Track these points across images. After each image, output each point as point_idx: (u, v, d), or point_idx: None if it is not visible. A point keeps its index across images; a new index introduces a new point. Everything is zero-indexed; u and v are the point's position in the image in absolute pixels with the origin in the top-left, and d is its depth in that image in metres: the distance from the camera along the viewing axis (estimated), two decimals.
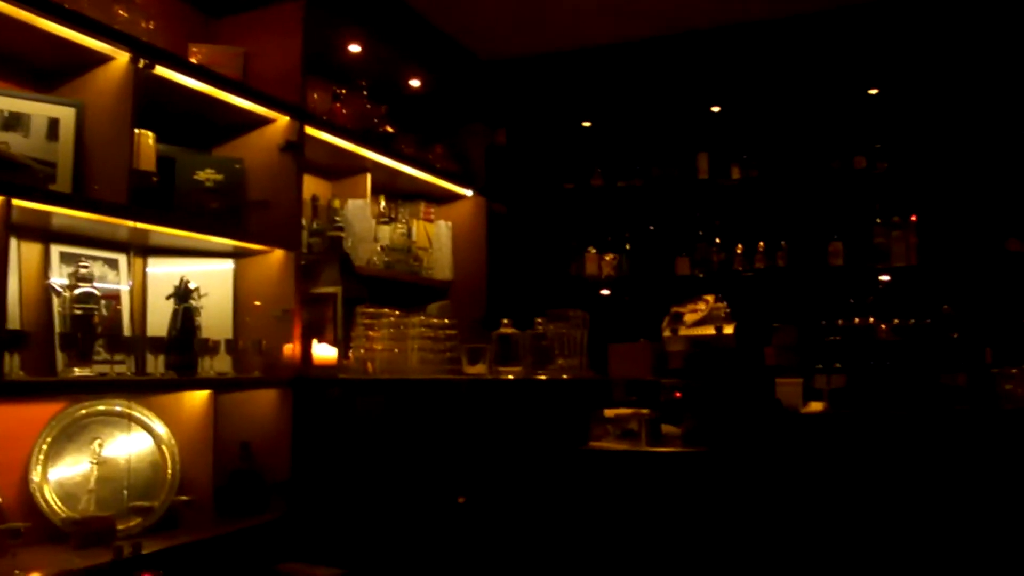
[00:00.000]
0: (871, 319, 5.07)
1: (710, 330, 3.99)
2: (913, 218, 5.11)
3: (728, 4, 4.91)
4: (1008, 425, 3.85)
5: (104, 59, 3.03)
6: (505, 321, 3.37)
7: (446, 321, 3.75)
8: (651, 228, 5.77)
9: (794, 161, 5.37)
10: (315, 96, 4.10)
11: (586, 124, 5.83)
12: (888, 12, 4.93)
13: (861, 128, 5.32)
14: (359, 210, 4.46)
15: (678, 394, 3.53)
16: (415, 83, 5.03)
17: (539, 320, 3.34)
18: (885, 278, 5.18)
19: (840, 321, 5.12)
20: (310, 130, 3.87)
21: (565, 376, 3.24)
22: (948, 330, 4.90)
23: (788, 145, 5.43)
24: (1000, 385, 4.19)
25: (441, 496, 3.43)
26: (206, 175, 3.50)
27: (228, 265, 3.73)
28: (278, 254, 3.67)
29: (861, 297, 5.18)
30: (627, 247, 5.71)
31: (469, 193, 5.33)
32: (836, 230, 5.26)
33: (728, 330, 3.99)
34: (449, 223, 5.22)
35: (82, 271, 2.98)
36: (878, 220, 5.17)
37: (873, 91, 5.27)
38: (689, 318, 4.14)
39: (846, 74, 5.24)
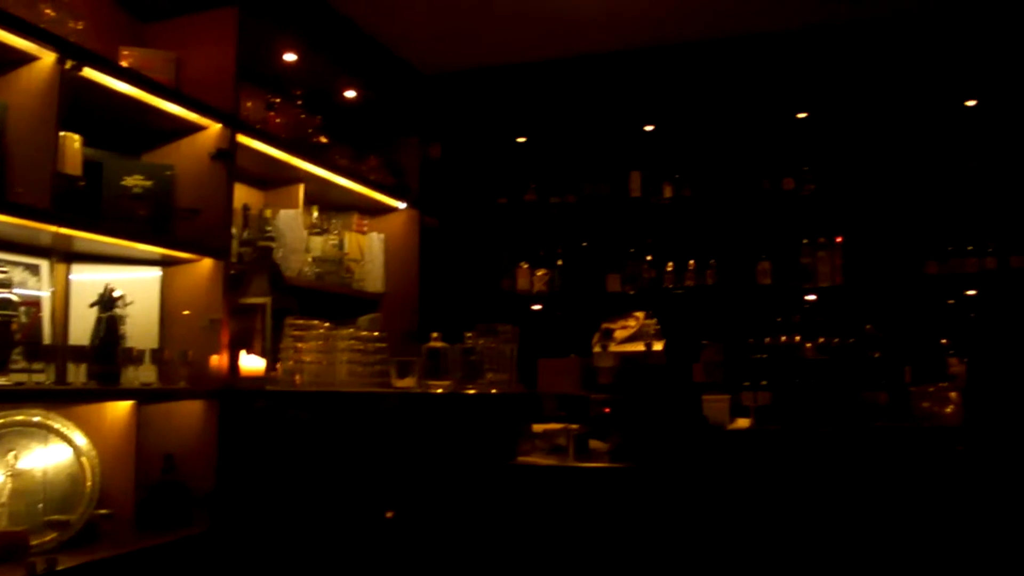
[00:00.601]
0: (797, 337, 5.18)
1: (640, 346, 4.03)
2: (838, 239, 5.23)
3: (663, 24, 4.99)
4: (924, 441, 3.95)
5: (29, 58, 2.96)
6: (435, 335, 3.37)
7: (376, 334, 3.73)
8: (583, 244, 5.82)
9: (725, 181, 5.47)
10: (248, 104, 4.06)
11: (521, 140, 5.87)
12: (818, 39, 5.07)
13: (790, 151, 5.44)
14: (291, 220, 4.42)
15: (607, 409, 3.55)
16: (351, 94, 5.01)
17: (469, 334, 3.34)
18: (811, 297, 5.29)
19: (767, 339, 5.23)
20: (242, 138, 3.83)
21: (494, 390, 3.24)
22: (870, 349, 5.03)
23: (719, 165, 5.52)
24: (917, 403, 4.31)
25: (369, 510, 3.41)
26: (134, 181, 3.44)
27: (155, 273, 3.66)
28: (207, 263, 3.62)
29: (788, 316, 5.29)
30: (559, 263, 5.75)
31: (403, 206, 5.32)
32: (764, 250, 5.37)
33: (657, 347, 4.03)
34: (382, 235, 5.19)
35: (0, 276, 2.90)
36: (805, 241, 5.29)
37: (802, 115, 5.40)
38: (619, 334, 4.18)
39: (776, 97, 5.36)
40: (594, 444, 3.43)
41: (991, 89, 5.10)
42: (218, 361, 3.55)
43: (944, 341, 4.83)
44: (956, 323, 5.08)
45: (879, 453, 3.89)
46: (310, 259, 4.55)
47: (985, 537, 3.43)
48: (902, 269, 5.14)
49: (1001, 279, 4.98)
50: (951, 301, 5.21)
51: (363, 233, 5.13)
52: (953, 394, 4.21)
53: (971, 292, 5.18)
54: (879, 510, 3.57)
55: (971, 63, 5.01)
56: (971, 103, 5.16)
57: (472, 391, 3.27)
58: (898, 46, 5.02)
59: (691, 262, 5.45)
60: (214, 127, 3.69)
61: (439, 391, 3.29)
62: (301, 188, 4.55)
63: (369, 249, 5.11)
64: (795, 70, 5.25)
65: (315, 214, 4.75)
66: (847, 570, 3.47)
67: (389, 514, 3.38)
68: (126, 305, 3.37)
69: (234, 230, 3.91)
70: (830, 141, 5.39)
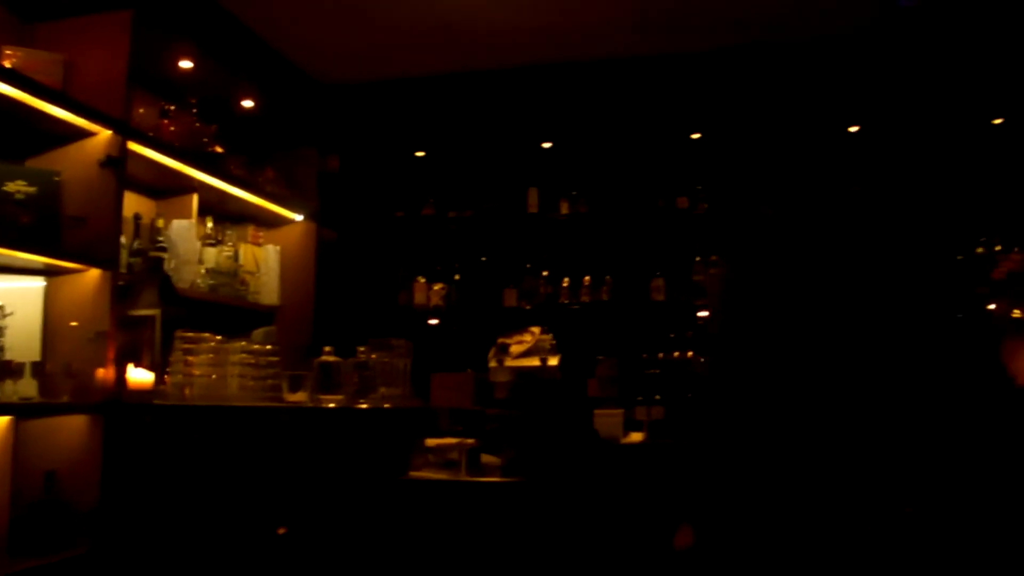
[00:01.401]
0: (690, 353, 5.29)
1: (535, 361, 4.07)
2: None
3: (563, 42, 5.06)
4: None
5: None
6: (327, 349, 3.35)
7: (268, 347, 3.68)
8: (481, 259, 5.84)
9: (621, 199, 5.56)
10: (141, 111, 3.98)
11: (420, 154, 5.87)
12: (713, 63, 5.21)
13: (684, 170, 5.57)
14: (184, 231, 4.33)
15: (493, 425, 3.57)
16: (248, 103, 4.95)
17: (362, 348, 3.33)
18: (703, 314, 5.40)
19: (660, 355, 5.33)
20: (134, 146, 3.74)
21: (387, 405, 3.24)
22: None
23: (615, 183, 5.62)
24: None
25: (260, 526, 3.36)
26: (17, 187, 3.32)
27: (39, 283, 3.54)
28: (94, 273, 3.52)
29: (680, 332, 5.39)
30: (456, 277, 5.76)
31: (299, 218, 5.26)
32: (658, 266, 5.48)
33: (553, 362, 4.08)
34: (278, 248, 5.13)
35: None
36: (697, 258, 5.42)
37: (696, 135, 5.54)
38: (515, 349, 4.22)
39: (672, 118, 5.49)
40: (487, 459, 3.44)
41: (873, 116, 5.32)
42: (104, 374, 3.45)
43: None
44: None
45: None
46: (204, 271, 4.47)
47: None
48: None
49: None
50: None
51: (259, 245, 5.05)
52: None
53: None
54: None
55: (855, 91, 5.23)
56: (854, 128, 5.37)
57: (365, 405, 3.26)
58: (787, 72, 5.20)
59: (587, 278, 5.53)
60: (104, 133, 3.59)
61: (331, 405, 3.27)
62: (195, 198, 4.46)
63: (265, 261, 5.04)
64: (690, 92, 5.39)
65: (209, 225, 4.66)
66: None
67: (281, 530, 3.34)
68: (6, 316, 3.26)
69: (124, 240, 3.81)
70: (723, 162, 5.54)
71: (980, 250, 5.23)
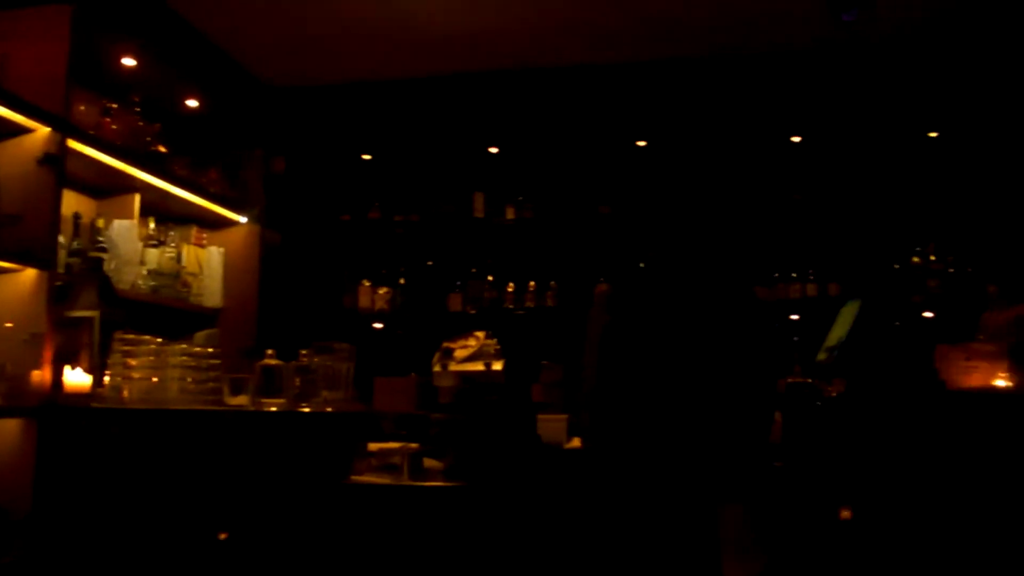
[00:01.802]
0: None
1: (479, 366, 4.06)
2: None
3: (511, 49, 5.09)
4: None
5: None
6: (270, 352, 3.32)
7: (209, 350, 3.64)
8: (426, 263, 5.84)
9: (567, 205, 5.60)
10: (82, 108, 3.92)
11: (366, 157, 5.86)
12: (659, 72, 5.29)
13: (629, 177, 5.62)
14: (125, 231, 4.27)
15: (434, 430, 3.57)
16: (193, 103, 4.90)
17: (304, 352, 3.31)
18: None
19: None
20: (74, 143, 3.69)
21: (329, 409, 3.22)
22: None
23: (562, 189, 5.66)
24: None
25: (201, 532, 3.32)
26: None
27: None
28: (30, 273, 3.46)
29: None
30: (401, 281, 5.75)
31: (244, 220, 5.21)
32: (603, 272, 5.51)
33: (497, 367, 4.07)
34: (222, 249, 5.08)
35: None
36: (642, 264, 5.45)
37: (641, 143, 5.59)
38: (459, 354, 4.20)
39: (617, 125, 5.55)
40: (429, 463, 3.43)
41: (815, 127, 5.43)
42: (40, 377, 3.39)
43: None
44: (781, 346, 5.34)
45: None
46: (145, 272, 4.41)
47: (796, 536, 3.61)
48: (732, 292, 5.37)
49: (821, 304, 5.28)
50: (776, 325, 5.48)
51: (202, 246, 5.00)
52: (777, 414, 4.41)
53: (794, 316, 5.47)
54: (703, 520, 3.69)
55: (797, 103, 5.33)
56: (796, 139, 5.47)
57: (307, 409, 3.24)
58: (731, 84, 5.29)
59: (532, 283, 5.55)
60: (42, 130, 3.53)
61: (273, 409, 3.25)
62: (137, 198, 4.40)
63: (208, 263, 4.98)
64: (637, 100, 5.45)
65: (152, 225, 4.60)
66: None
67: (222, 535, 3.30)
68: None
69: (62, 239, 3.75)
70: (667, 169, 5.60)
71: (916, 260, 5.35)
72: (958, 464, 3.36)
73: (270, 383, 3.27)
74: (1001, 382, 3.46)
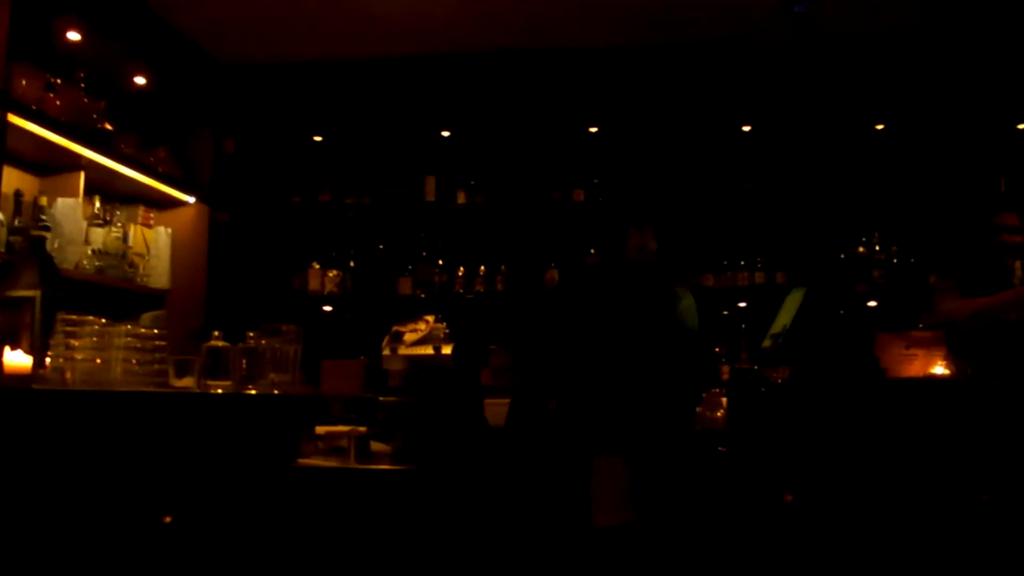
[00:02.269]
0: None
1: (429, 350, 4.06)
2: None
3: (465, 32, 5.08)
4: (697, 444, 4.17)
5: None
6: (216, 333, 3.28)
7: (155, 331, 3.59)
8: (377, 247, 5.81)
9: (518, 190, 5.61)
10: (23, 82, 3.84)
11: (318, 139, 5.81)
12: (612, 59, 5.32)
13: (581, 163, 5.64)
14: (70, 210, 4.21)
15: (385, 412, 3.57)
16: (141, 80, 4.82)
17: (251, 334, 3.28)
18: None
19: None
20: (15, 119, 3.63)
21: (276, 391, 3.20)
22: None
23: (513, 174, 5.67)
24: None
25: (145, 515, 3.28)
26: None
27: None
28: None
29: None
30: (351, 264, 5.72)
31: (192, 200, 5.16)
32: (554, 258, 5.54)
33: (446, 350, 4.07)
34: (169, 230, 5.02)
35: None
36: (592, 250, 5.49)
37: (594, 129, 5.61)
38: (409, 337, 4.20)
39: (570, 111, 5.56)
40: (376, 446, 3.43)
41: (765, 117, 5.49)
42: None
43: (718, 349, 5.13)
44: (729, 332, 5.41)
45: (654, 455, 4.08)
46: (90, 251, 4.35)
47: (739, 521, 3.67)
48: (677, 280, 5.43)
49: (768, 292, 5.35)
50: (725, 312, 5.55)
51: (149, 226, 4.94)
52: (724, 399, 4.47)
53: (742, 304, 5.54)
54: (650, 504, 3.74)
55: (748, 93, 5.39)
56: (747, 128, 5.53)
57: (253, 392, 3.21)
58: (684, 72, 5.34)
59: (482, 268, 5.56)
60: None
61: (219, 391, 3.22)
62: (82, 176, 4.33)
63: (155, 243, 4.92)
64: (590, 86, 5.47)
65: (97, 204, 4.53)
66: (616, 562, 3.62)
67: (167, 519, 3.27)
68: None
69: (3, 217, 3.69)
70: (620, 156, 5.63)
71: (861, 249, 5.44)
72: (896, 450, 3.43)
73: (216, 365, 3.22)
74: (939, 369, 3.54)
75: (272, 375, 3.24)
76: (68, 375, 3.36)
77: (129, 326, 3.50)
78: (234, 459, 3.25)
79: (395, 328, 4.21)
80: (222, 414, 3.26)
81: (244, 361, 3.24)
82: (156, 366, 3.50)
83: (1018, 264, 4.22)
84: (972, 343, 3.75)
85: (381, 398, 3.68)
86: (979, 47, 5.14)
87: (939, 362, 3.54)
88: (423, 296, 5.54)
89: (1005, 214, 4.24)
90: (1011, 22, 4.95)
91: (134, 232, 4.78)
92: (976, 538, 3.26)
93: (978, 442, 3.32)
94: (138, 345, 3.47)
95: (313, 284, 5.66)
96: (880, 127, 5.47)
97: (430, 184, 5.64)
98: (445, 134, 5.71)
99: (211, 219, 5.23)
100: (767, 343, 4.10)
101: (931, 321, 4.00)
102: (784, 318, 4.07)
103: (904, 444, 3.43)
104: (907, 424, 3.45)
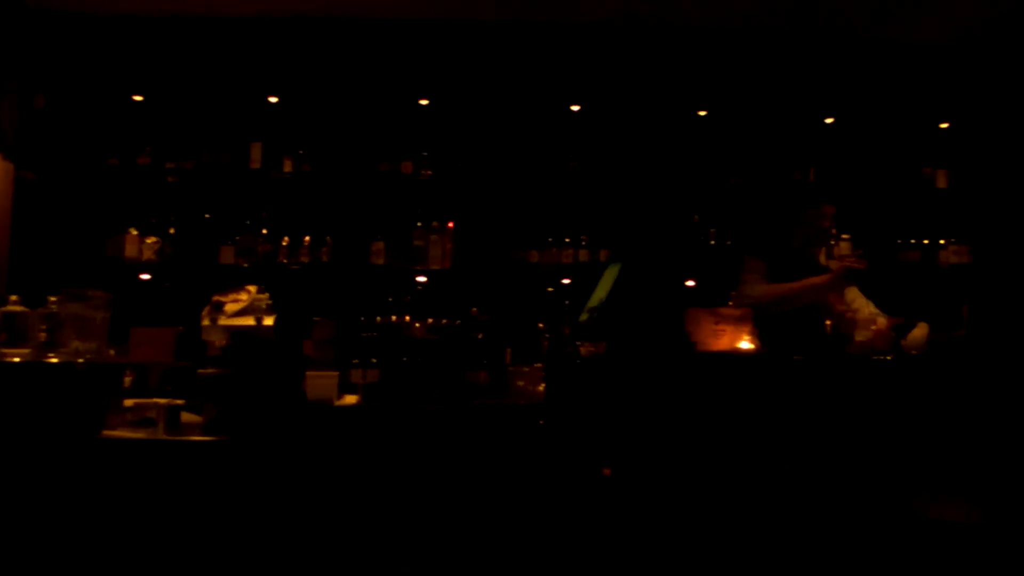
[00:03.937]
0: (407, 317, 5.36)
1: (250, 321, 3.98)
2: (450, 224, 5.50)
3: None
4: (515, 417, 4.25)
5: None
6: (14, 298, 3.12)
7: None
8: (199, 214, 5.61)
9: (346, 160, 5.54)
10: None
11: (138, 98, 5.55)
12: (439, 31, 5.32)
13: (410, 135, 5.62)
14: None
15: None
16: None
17: (53, 299, 3.12)
18: (422, 279, 5.51)
19: (378, 318, 5.36)
20: None
21: (80, 360, 3.06)
22: (475, 331, 5.32)
23: (341, 144, 5.59)
24: (514, 382, 4.63)
25: None
26: None
27: None
28: None
29: (399, 296, 5.46)
30: (171, 231, 5.50)
31: None
32: (380, 230, 5.51)
33: (268, 321, 3.99)
34: None
35: None
36: (419, 224, 5.49)
37: (424, 101, 5.60)
38: (230, 308, 4.09)
39: (399, 83, 5.53)
40: (187, 417, 3.34)
41: (594, 98, 5.61)
42: None
43: (541, 325, 5.23)
44: (552, 308, 5.51)
45: (476, 428, 4.13)
46: None
47: (558, 495, 3.76)
48: (506, 256, 5.52)
49: (592, 270, 5.48)
50: (549, 288, 5.66)
51: None
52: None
53: (566, 280, 5.67)
54: (471, 480, 3.79)
55: (577, 72, 5.51)
56: (575, 108, 5.64)
57: (55, 360, 3.07)
58: (511, 49, 5.41)
59: (307, 238, 5.46)
60: None
61: (16, 360, 3.06)
62: None
63: None
64: (419, 58, 5.46)
65: None
66: (449, 534, 3.65)
67: None
68: None
69: None
70: (449, 130, 5.64)
71: (682, 230, 5.66)
72: (707, 421, 3.59)
73: (13, 331, 3.07)
74: (745, 344, 3.72)
75: (76, 343, 3.10)
76: None
77: None
78: (33, 431, 3.10)
79: (216, 298, 4.10)
80: (19, 384, 3.10)
81: (44, 327, 3.08)
82: None
83: (822, 251, 4.50)
84: (776, 322, 3.99)
85: (199, 369, 3.58)
86: (795, 46, 5.46)
87: (745, 337, 3.72)
88: (246, 266, 5.40)
89: (823, 204, 4.51)
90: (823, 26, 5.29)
91: None
92: (784, 498, 3.46)
93: (779, 410, 3.52)
94: None
95: (130, 251, 5.41)
96: (703, 113, 5.69)
97: (256, 151, 5.48)
98: (273, 100, 5.57)
99: (16, 177, 4.92)
100: (584, 316, 4.21)
101: (739, 302, 4.21)
102: (601, 292, 4.17)
103: (713, 414, 3.59)
104: (716, 395, 3.61)
